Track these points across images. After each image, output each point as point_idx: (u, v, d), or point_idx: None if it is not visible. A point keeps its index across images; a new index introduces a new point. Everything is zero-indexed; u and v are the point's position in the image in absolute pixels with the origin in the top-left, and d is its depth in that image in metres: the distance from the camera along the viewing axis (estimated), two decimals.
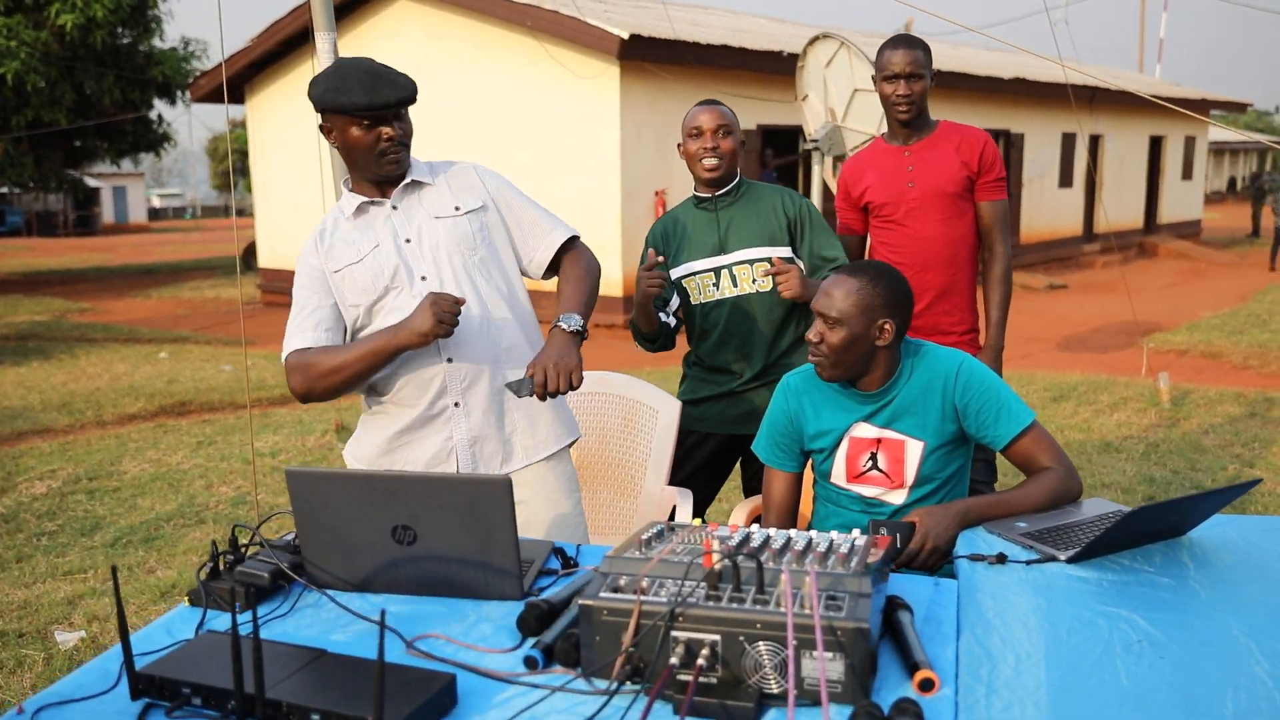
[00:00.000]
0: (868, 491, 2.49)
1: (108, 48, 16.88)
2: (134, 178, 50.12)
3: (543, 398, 2.29)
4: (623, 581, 1.70)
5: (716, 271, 3.13)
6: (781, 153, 13.60)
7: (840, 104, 7.12)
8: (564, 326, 2.37)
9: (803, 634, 1.57)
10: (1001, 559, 2.07)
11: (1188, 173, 23.58)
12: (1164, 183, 22.30)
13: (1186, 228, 23.49)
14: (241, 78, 15.60)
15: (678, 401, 3.13)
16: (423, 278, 2.43)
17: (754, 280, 3.10)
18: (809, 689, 1.58)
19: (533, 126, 12.33)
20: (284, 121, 15.19)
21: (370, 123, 2.36)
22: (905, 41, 3.26)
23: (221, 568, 2.02)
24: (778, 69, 12.58)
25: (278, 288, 15.81)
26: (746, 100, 12.80)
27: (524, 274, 2.61)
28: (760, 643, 1.59)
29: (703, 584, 1.67)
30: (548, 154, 12.20)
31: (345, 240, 2.46)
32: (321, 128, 2.43)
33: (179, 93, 18.85)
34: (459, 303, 2.27)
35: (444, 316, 2.25)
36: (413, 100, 2.41)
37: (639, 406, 3.16)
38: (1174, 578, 1.98)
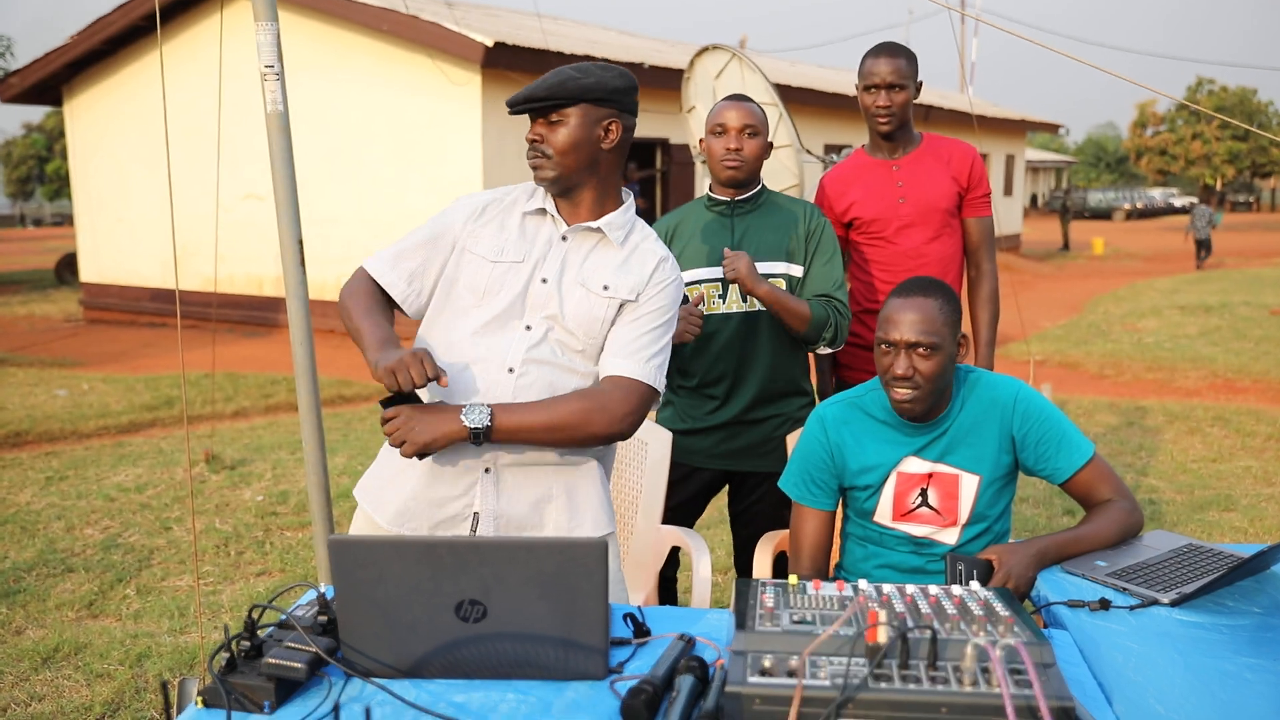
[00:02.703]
0: (917, 531, 2.31)
1: None
2: None
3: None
4: (768, 661, 1.46)
5: (725, 283, 2.91)
6: (643, 166, 13.51)
7: None
8: (462, 415, 2.00)
9: (994, 716, 1.37)
10: (1105, 604, 1.92)
11: (1009, 189, 24.71)
12: None
13: (1008, 241, 24.60)
14: (59, 77, 14.50)
15: (668, 433, 2.88)
16: (527, 327, 2.12)
17: None
18: None
19: (390, 136, 11.84)
20: (107, 124, 14.18)
21: (530, 117, 2.13)
22: (888, 50, 3.11)
23: (238, 657, 1.68)
24: (639, 81, 12.47)
25: (104, 304, 14.76)
26: None
27: None
28: None
29: (862, 661, 1.45)
30: (406, 164, 11.73)
31: (503, 230, 2.18)
32: None
33: None
34: (433, 377, 1.93)
35: (398, 380, 1.92)
36: (545, 103, 2.06)
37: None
38: None
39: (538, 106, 2.08)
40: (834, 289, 2.94)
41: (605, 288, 2.13)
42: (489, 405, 2.02)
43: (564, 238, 2.17)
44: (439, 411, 2.02)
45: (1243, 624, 1.86)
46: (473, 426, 1.99)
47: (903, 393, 2.19)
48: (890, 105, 3.10)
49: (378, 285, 2.20)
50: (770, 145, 2.98)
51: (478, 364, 2.10)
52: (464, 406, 2.01)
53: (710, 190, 3.02)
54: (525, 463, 2.14)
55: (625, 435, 2.13)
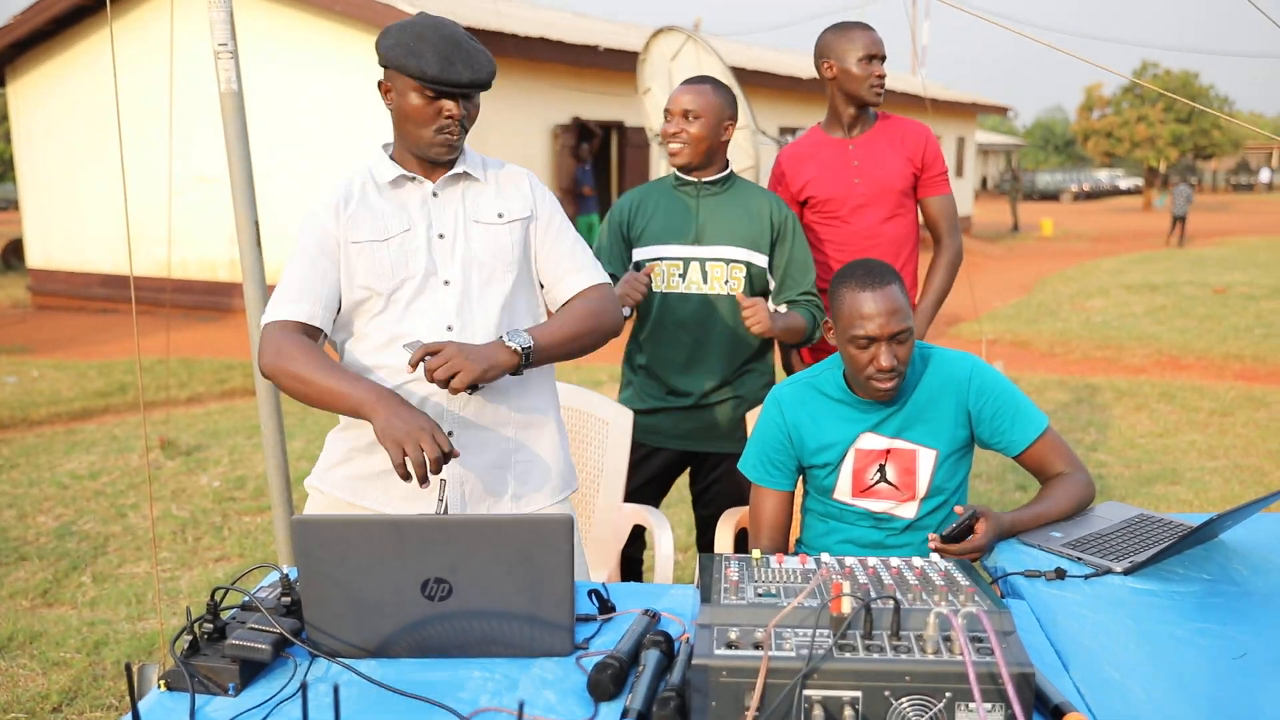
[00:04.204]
0: (876, 506, 2.32)
1: None
2: None
3: (412, 368, 1.97)
4: (734, 634, 1.46)
5: (686, 262, 2.90)
6: (595, 147, 13.46)
7: None
8: (505, 340, 2.04)
9: (957, 684, 1.39)
10: (1060, 574, 1.95)
11: (960, 171, 24.90)
12: None
13: (959, 222, 24.79)
14: (2, 58, 14.16)
15: (629, 412, 2.88)
16: (445, 282, 2.11)
17: (727, 281, 2.88)
18: None
19: (344, 116, 11.68)
20: (54, 107, 13.88)
21: (434, 94, 2.05)
22: (868, 25, 3.10)
23: (201, 639, 1.66)
24: (594, 62, 12.44)
25: (52, 290, 14.48)
26: (566, 92, 12.61)
27: None
28: (905, 698, 1.40)
29: (826, 632, 1.46)
30: (359, 144, 11.58)
31: (373, 211, 2.12)
32: (380, 84, 2.11)
33: None
34: (448, 453, 1.88)
35: (419, 460, 1.84)
36: (486, 86, 2.08)
37: (588, 418, 2.90)
38: (1239, 585, 1.92)
39: (475, 88, 2.06)
40: (810, 286, 2.95)
41: (500, 215, 2.17)
42: (522, 330, 2.06)
43: (435, 194, 2.15)
44: (482, 345, 2.01)
45: (1192, 590, 1.89)
46: (521, 347, 2.02)
47: (890, 383, 2.19)
48: (884, 75, 3.10)
49: (296, 332, 2.06)
50: (729, 125, 2.95)
51: (415, 336, 2.08)
52: (503, 336, 2.04)
53: (678, 169, 3.00)
54: (484, 424, 2.15)
55: (621, 330, 2.28)
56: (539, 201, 2.24)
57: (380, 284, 2.10)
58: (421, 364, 1.95)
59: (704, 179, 2.94)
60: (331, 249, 2.11)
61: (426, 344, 1.97)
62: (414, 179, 2.16)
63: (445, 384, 1.93)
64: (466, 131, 2.11)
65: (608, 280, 2.26)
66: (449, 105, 2.06)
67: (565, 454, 2.32)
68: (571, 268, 2.23)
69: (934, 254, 3.32)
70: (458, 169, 2.16)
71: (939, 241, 3.30)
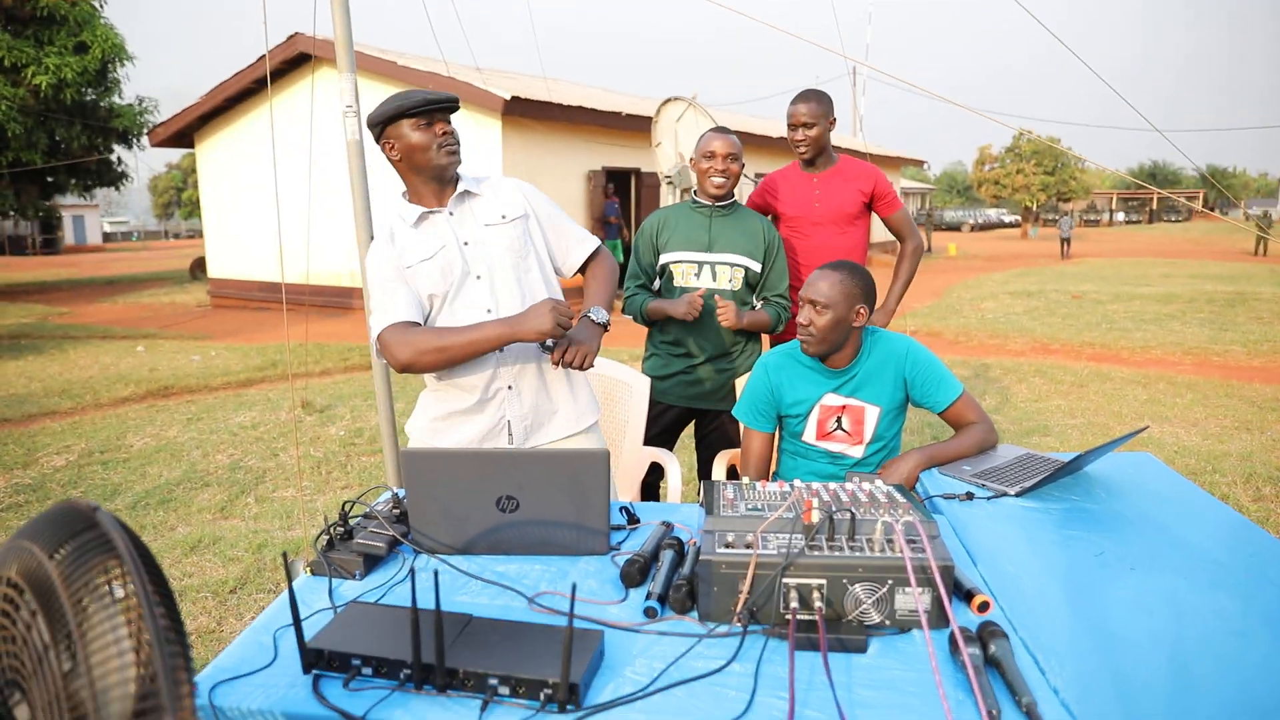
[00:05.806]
0: (833, 447, 2.28)
1: (76, 103, 14.99)
2: (90, 208, 44.81)
3: (556, 364, 1.96)
4: (730, 538, 1.43)
5: (700, 265, 2.83)
6: (619, 188, 13.37)
7: (688, 149, 6.87)
8: (592, 317, 2.03)
9: (897, 574, 1.35)
10: (970, 496, 1.90)
11: None
12: None
13: (891, 245, 24.53)
14: (192, 127, 14.15)
15: (647, 379, 2.83)
16: (477, 277, 2.02)
17: (730, 279, 2.83)
18: (901, 619, 1.36)
19: None
20: (228, 161, 13.87)
21: (428, 121, 1.94)
22: (804, 97, 3.03)
23: (335, 539, 1.64)
24: (618, 124, 12.34)
25: (224, 294, 14.50)
26: (597, 146, 12.50)
27: (557, 272, 2.20)
28: (858, 584, 1.36)
29: (800, 536, 1.42)
30: None
31: (413, 242, 1.99)
32: (382, 146, 1.99)
33: (135, 140, 16.91)
34: (570, 311, 1.90)
35: (563, 322, 1.87)
36: (458, 106, 2.00)
37: (616, 383, 2.86)
38: (1098, 503, 1.87)
39: (454, 106, 1.98)
40: (785, 289, 2.87)
41: (503, 216, 2.05)
42: (595, 306, 2.06)
43: (450, 213, 2.03)
44: (580, 328, 2.00)
45: (1064, 507, 1.85)
46: (604, 321, 2.04)
47: (801, 335, 2.18)
48: (806, 139, 3.02)
49: (408, 327, 1.94)
50: (744, 165, 2.87)
51: (464, 320, 2.01)
52: (589, 315, 2.02)
53: (695, 195, 2.93)
54: (529, 377, 2.08)
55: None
56: (530, 200, 2.11)
57: (437, 289, 1.99)
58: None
59: (717, 204, 2.86)
60: (398, 270, 1.98)
61: (558, 343, 1.96)
62: (433, 211, 2.02)
63: (579, 365, 1.96)
64: (459, 146, 2.00)
65: (597, 240, 2.19)
66: (441, 124, 1.96)
67: (587, 386, 2.23)
68: (574, 240, 2.16)
69: (899, 251, 3.25)
70: (460, 189, 2.03)
71: (902, 242, 3.22)
